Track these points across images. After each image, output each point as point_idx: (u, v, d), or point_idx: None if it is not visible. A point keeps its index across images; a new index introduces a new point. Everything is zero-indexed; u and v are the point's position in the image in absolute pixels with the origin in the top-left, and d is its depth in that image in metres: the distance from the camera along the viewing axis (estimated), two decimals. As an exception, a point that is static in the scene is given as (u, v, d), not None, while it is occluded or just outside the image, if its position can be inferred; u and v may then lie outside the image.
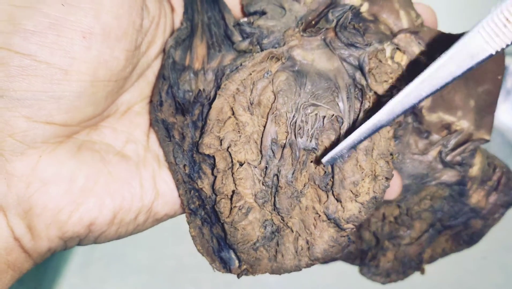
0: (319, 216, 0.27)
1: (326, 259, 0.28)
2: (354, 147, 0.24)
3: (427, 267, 0.34)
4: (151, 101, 0.31)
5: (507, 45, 0.20)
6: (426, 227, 0.33)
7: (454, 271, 0.61)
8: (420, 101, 0.22)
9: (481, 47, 0.20)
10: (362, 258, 0.36)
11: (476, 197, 0.31)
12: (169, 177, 0.29)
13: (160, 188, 0.28)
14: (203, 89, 0.29)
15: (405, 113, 0.22)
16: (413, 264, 0.35)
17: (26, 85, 0.23)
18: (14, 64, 0.23)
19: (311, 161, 0.28)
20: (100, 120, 0.28)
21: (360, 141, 0.24)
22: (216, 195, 0.28)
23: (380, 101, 0.27)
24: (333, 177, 0.27)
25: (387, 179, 0.27)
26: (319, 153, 0.27)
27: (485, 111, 0.29)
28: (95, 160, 0.27)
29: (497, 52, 0.20)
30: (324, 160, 0.25)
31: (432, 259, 0.35)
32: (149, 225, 0.29)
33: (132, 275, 0.69)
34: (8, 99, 0.23)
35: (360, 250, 0.36)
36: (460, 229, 0.33)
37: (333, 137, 0.27)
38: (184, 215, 0.30)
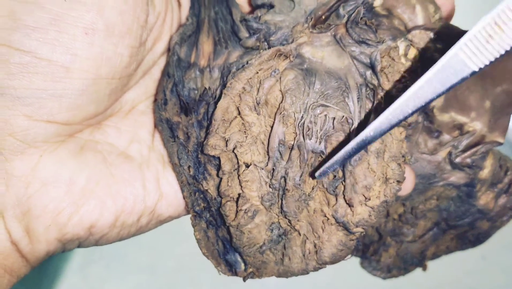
0: (328, 219, 0.25)
1: (334, 263, 0.26)
2: (345, 161, 0.23)
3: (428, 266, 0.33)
4: (155, 100, 0.29)
5: (491, 62, 0.19)
6: (431, 225, 0.31)
7: (454, 271, 0.60)
8: (406, 118, 0.21)
9: (464, 64, 0.19)
10: (364, 251, 0.35)
11: (484, 199, 0.29)
12: (174, 178, 0.27)
13: (164, 189, 0.26)
14: (209, 87, 0.27)
15: (392, 129, 0.22)
16: (415, 261, 0.33)
17: (26, 83, 0.21)
18: (14, 61, 0.21)
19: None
20: (103, 119, 0.26)
21: (350, 156, 0.23)
22: (221, 197, 0.26)
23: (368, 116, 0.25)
24: (344, 181, 0.25)
25: (399, 182, 0.25)
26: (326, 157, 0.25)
27: (501, 113, 0.26)
28: (97, 161, 0.25)
29: (480, 69, 0.19)
30: (316, 174, 0.24)
31: (434, 256, 0.33)
32: (152, 226, 0.27)
33: (132, 275, 0.68)
34: (8, 97, 0.21)
35: (362, 243, 0.34)
36: (465, 229, 0.31)
37: (342, 139, 0.25)
38: (185, 215, 0.28)
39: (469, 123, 0.27)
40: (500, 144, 0.27)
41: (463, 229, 0.31)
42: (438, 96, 0.20)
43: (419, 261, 0.32)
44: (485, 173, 0.28)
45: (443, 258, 0.32)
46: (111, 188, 0.25)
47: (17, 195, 0.22)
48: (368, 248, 0.34)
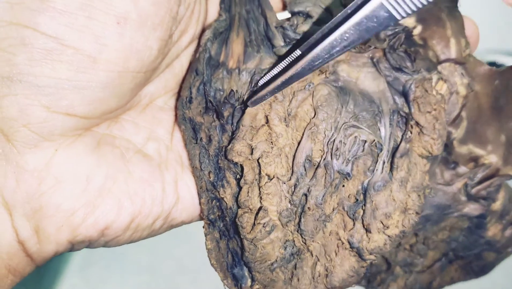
0: (342, 243, 0.24)
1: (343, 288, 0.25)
2: (275, 92, 0.23)
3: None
4: (178, 96, 0.26)
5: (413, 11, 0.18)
6: (439, 256, 0.31)
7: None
8: (330, 59, 0.20)
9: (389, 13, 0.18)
10: (370, 280, 0.34)
11: (493, 230, 0.29)
12: (191, 181, 0.25)
13: (181, 193, 0.24)
14: (236, 90, 0.25)
15: (314, 66, 0.21)
16: None
17: (49, 71, 0.19)
18: (38, 46, 0.18)
19: (343, 186, 0.25)
20: (122, 113, 0.24)
21: (280, 88, 0.22)
22: (239, 207, 0.25)
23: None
24: (364, 205, 0.24)
25: (417, 214, 0.24)
26: (350, 179, 0.25)
27: (515, 148, 0.27)
28: (115, 157, 0.22)
29: (402, 17, 0.18)
30: (249, 102, 0.24)
31: (439, 287, 0.33)
32: (163, 231, 0.25)
33: (132, 276, 0.65)
34: (26, 84, 0.19)
35: (370, 273, 0.34)
36: (471, 260, 0.31)
37: (369, 163, 0.24)
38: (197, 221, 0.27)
39: (486, 156, 0.27)
40: (513, 178, 0.27)
41: (469, 260, 0.31)
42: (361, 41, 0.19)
43: None
44: (497, 205, 0.28)
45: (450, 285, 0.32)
46: (129, 187, 0.22)
47: (28, 191, 0.20)
48: (375, 278, 0.33)
